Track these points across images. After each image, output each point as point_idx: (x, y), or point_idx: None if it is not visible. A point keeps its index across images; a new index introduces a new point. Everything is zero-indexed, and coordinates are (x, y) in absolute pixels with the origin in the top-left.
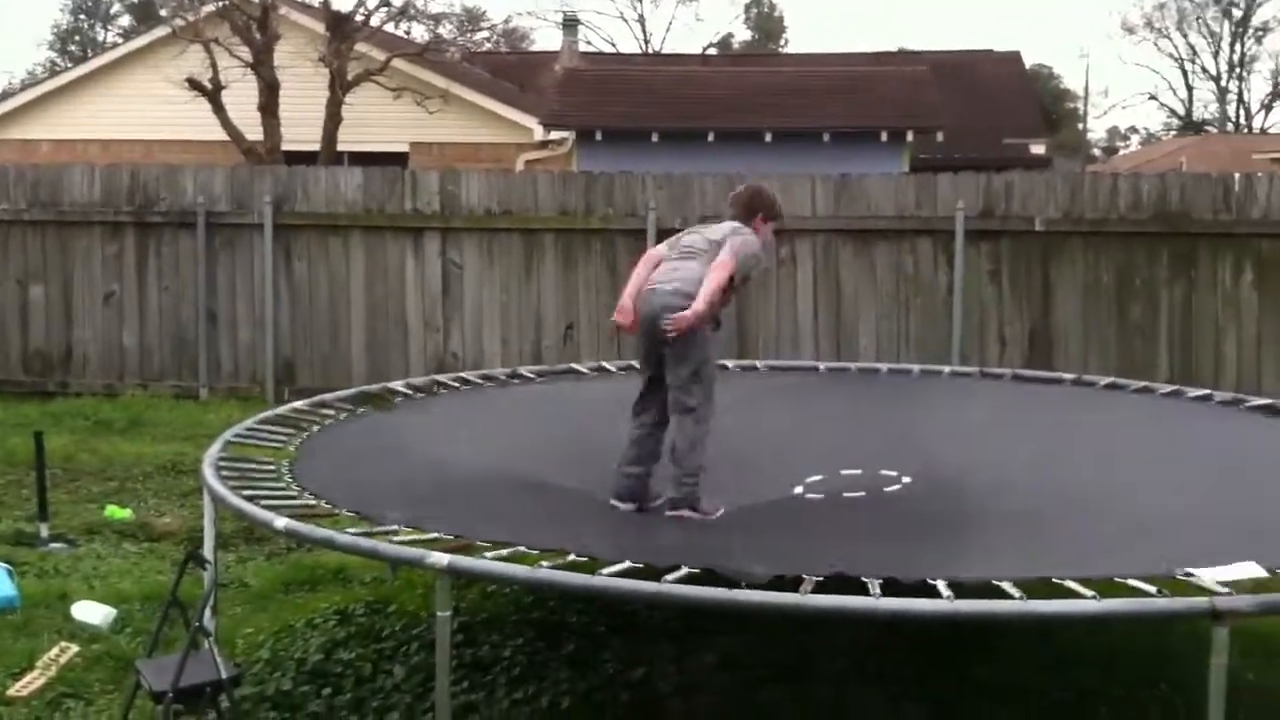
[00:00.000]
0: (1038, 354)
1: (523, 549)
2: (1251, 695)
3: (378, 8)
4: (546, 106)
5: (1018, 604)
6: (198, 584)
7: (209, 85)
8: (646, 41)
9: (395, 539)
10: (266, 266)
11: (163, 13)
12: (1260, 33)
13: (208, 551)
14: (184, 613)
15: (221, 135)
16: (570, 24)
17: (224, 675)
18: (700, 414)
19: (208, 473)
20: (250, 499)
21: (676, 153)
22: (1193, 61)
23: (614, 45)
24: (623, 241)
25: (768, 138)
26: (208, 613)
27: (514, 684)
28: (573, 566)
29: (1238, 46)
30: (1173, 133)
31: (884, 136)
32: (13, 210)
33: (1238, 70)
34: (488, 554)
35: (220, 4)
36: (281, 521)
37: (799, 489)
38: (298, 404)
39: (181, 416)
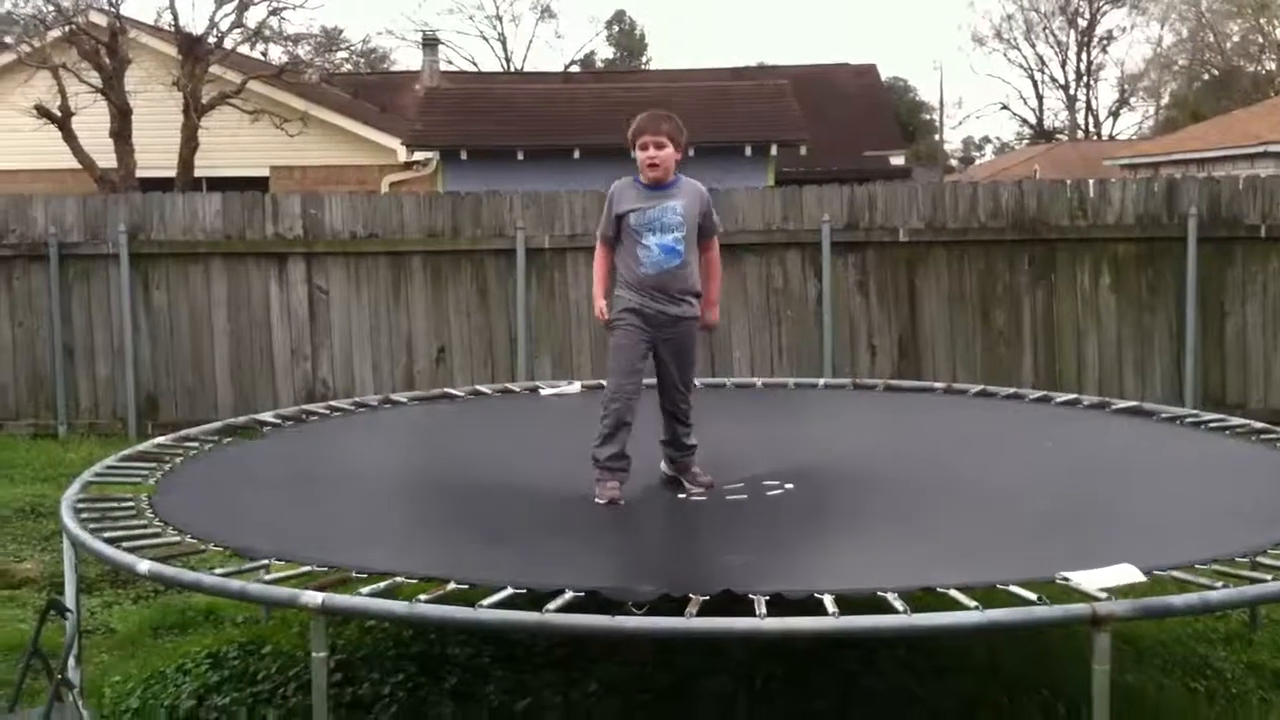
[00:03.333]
0: (907, 362)
1: (400, 579)
2: (1129, 695)
3: (231, 29)
4: (409, 127)
5: (902, 618)
6: (61, 631)
7: (58, 112)
8: (508, 60)
9: (266, 576)
10: (124, 298)
11: (7, 39)
12: (1105, 42)
13: (69, 598)
14: (46, 664)
15: (73, 163)
16: (430, 44)
17: None
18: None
19: (66, 516)
20: (112, 541)
21: (543, 171)
22: (1042, 71)
23: (475, 64)
24: (492, 262)
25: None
26: (71, 662)
27: None
28: (454, 596)
29: (1084, 56)
30: (1025, 141)
31: (748, 151)
32: None
33: (1085, 79)
34: (364, 589)
35: (67, 28)
36: (145, 565)
37: (682, 496)
38: (161, 439)
39: (40, 456)
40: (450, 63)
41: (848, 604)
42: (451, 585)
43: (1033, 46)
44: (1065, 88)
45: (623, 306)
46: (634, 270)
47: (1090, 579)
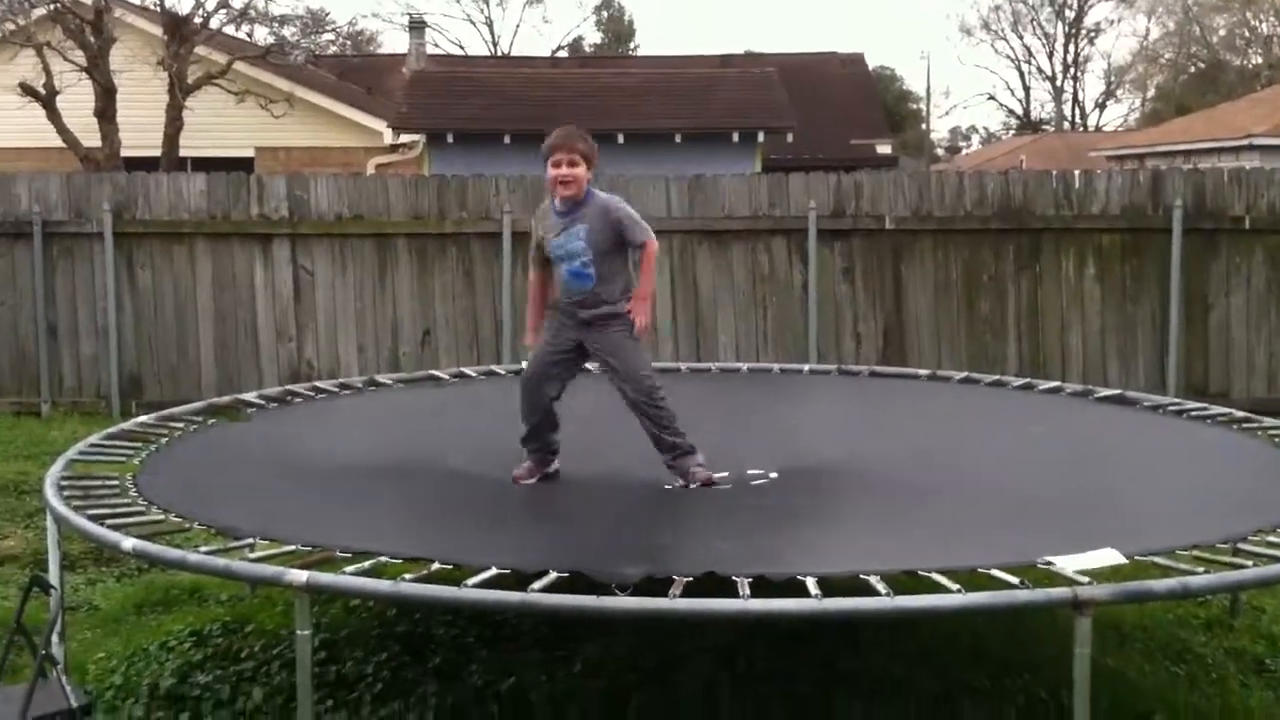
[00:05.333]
0: (892, 349)
1: (385, 559)
2: (1110, 679)
3: (217, 9)
4: (395, 110)
5: (884, 600)
6: (45, 608)
7: (43, 91)
8: (495, 44)
9: (251, 554)
10: (108, 277)
11: None
12: (1093, 34)
13: (53, 575)
14: (30, 640)
15: (57, 142)
16: (417, 26)
17: (74, 704)
18: None
19: (49, 493)
20: (96, 518)
21: (529, 154)
22: (1029, 62)
23: (462, 48)
24: (478, 245)
25: (620, 139)
26: (55, 639)
27: (379, 701)
28: (437, 576)
29: (1071, 47)
30: (1011, 132)
31: (735, 137)
32: None
33: (1072, 70)
34: (348, 568)
35: (52, 7)
36: (129, 542)
37: (668, 486)
38: (144, 418)
39: (23, 434)
40: (437, 46)
41: (831, 586)
42: (436, 565)
43: (1020, 38)
44: (1052, 79)
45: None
46: (554, 293)
47: (1072, 563)
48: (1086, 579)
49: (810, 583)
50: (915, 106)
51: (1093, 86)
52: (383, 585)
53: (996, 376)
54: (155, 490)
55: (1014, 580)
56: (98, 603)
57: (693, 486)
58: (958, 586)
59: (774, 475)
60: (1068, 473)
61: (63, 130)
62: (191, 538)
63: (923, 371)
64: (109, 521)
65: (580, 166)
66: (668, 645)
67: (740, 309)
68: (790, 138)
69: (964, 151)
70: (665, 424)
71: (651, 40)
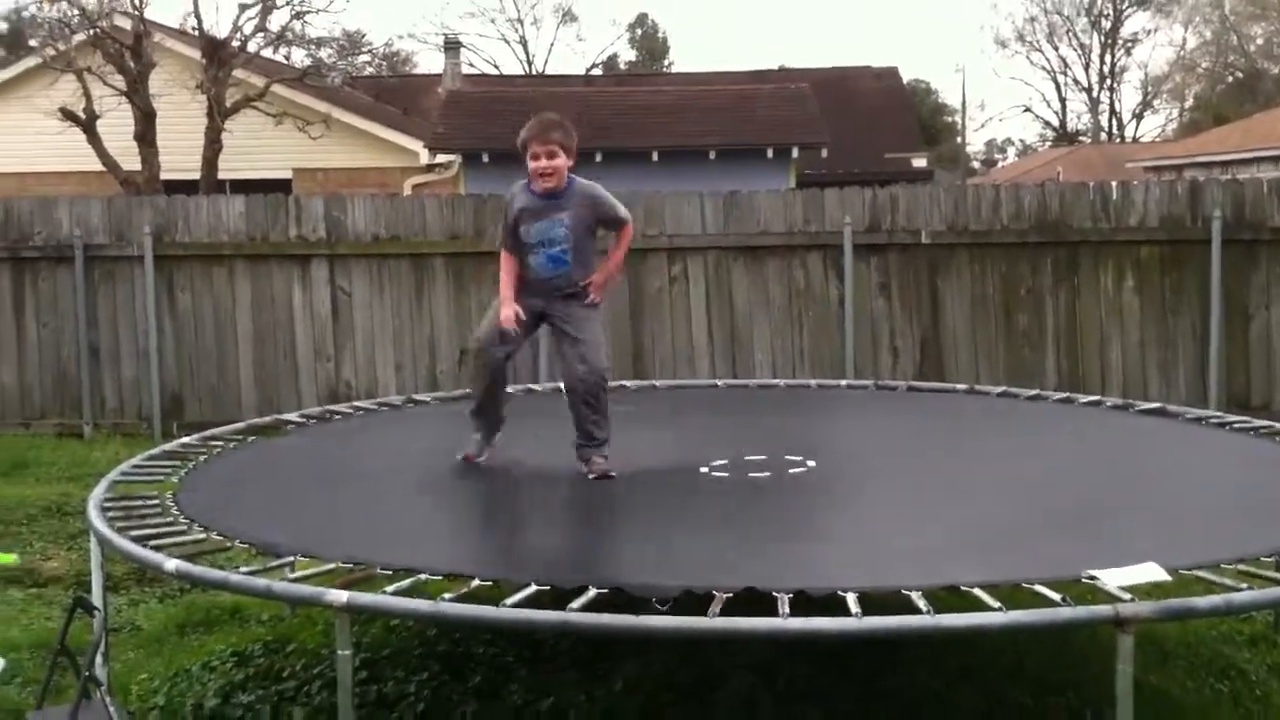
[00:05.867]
0: (929, 364)
1: (425, 576)
2: (1154, 697)
3: (255, 33)
4: (431, 130)
5: (927, 619)
6: (88, 629)
7: (83, 115)
8: (529, 63)
9: (291, 574)
10: (149, 299)
11: (33, 42)
12: (1129, 44)
13: (96, 596)
14: (74, 661)
15: (98, 166)
16: (452, 47)
17: None
18: None
19: (93, 515)
20: (139, 540)
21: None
22: (1064, 74)
23: (497, 67)
24: None
25: (654, 156)
26: (98, 660)
27: None
28: (477, 594)
29: (1108, 58)
30: (1048, 144)
31: (769, 153)
32: None
33: (1109, 81)
34: (388, 587)
35: (92, 32)
36: (172, 564)
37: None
38: (186, 439)
39: (66, 456)
40: (472, 66)
41: (871, 601)
42: (476, 582)
43: (1056, 49)
44: (1088, 90)
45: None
46: (524, 273)
47: (1114, 578)
48: (1129, 595)
49: (851, 599)
50: (950, 119)
51: (1129, 97)
52: (423, 605)
53: (1035, 391)
54: (196, 508)
55: (1056, 597)
56: (140, 623)
57: (591, 477)
58: (999, 604)
59: (813, 483)
60: (1109, 486)
61: (103, 154)
62: (233, 557)
63: (961, 386)
64: (151, 543)
65: (559, 157)
66: (707, 661)
67: (776, 325)
68: (825, 153)
69: (1000, 164)
70: (600, 410)
71: (685, 57)
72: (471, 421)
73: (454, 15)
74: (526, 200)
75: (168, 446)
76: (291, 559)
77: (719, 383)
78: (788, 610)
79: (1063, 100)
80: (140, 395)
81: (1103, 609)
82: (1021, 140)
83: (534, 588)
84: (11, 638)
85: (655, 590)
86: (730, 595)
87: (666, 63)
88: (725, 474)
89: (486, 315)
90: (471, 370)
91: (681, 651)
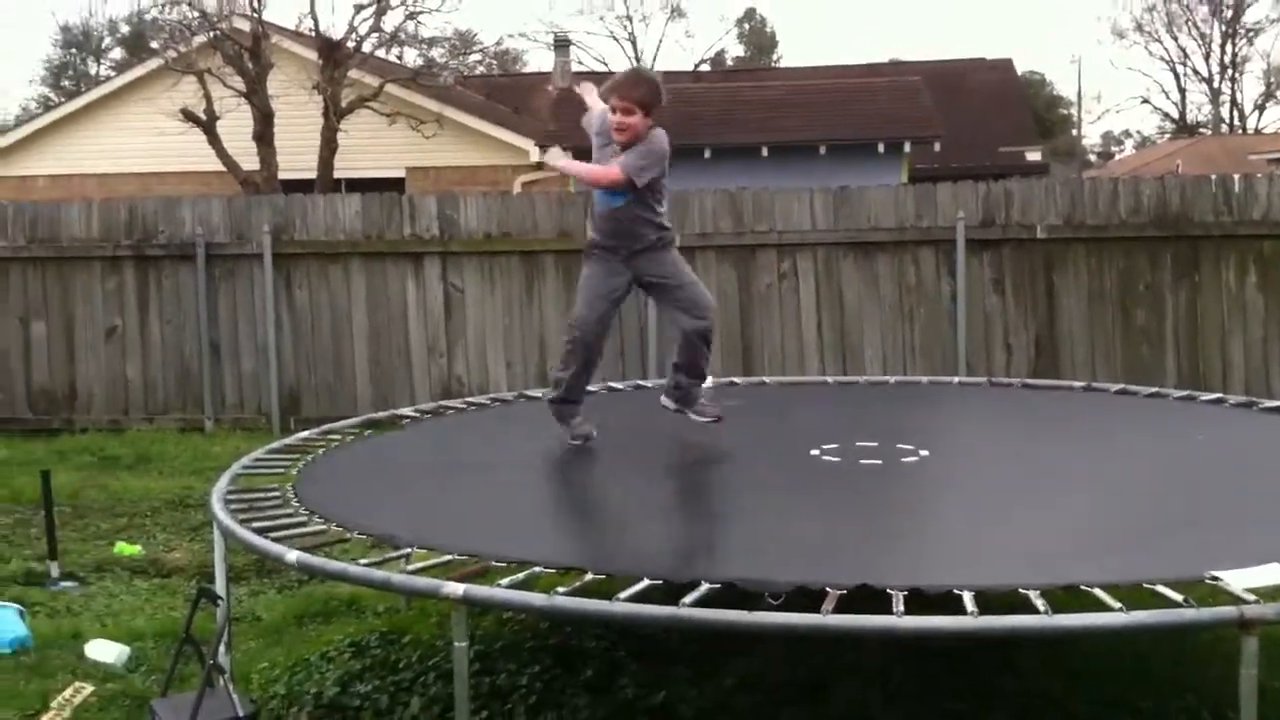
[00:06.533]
0: (1044, 361)
1: (539, 569)
2: (1277, 703)
3: (369, 34)
4: (541, 128)
5: (1044, 619)
6: (211, 619)
7: (203, 116)
8: (638, 60)
9: (408, 566)
10: (267, 296)
11: (154, 45)
12: (1251, 33)
13: (219, 587)
14: (198, 650)
15: (218, 166)
16: (562, 45)
17: (240, 712)
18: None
19: (216, 507)
20: (261, 531)
21: (673, 169)
22: (1184, 64)
23: (606, 65)
24: None
25: (764, 152)
26: (222, 649)
27: (532, 712)
28: (589, 588)
29: (1229, 47)
30: (1167, 136)
31: (881, 148)
32: (11, 248)
33: (1230, 71)
34: (503, 580)
35: (212, 34)
36: (293, 555)
37: (815, 454)
38: (305, 433)
39: (188, 450)
40: (581, 63)
41: (987, 601)
42: (589, 576)
43: (1175, 39)
44: (1209, 81)
45: (590, 241)
46: (594, 206)
47: (1239, 579)
48: (1253, 597)
49: (967, 597)
50: (1066, 112)
51: (1251, 88)
52: (537, 599)
53: (1155, 388)
54: (315, 500)
55: (1178, 598)
56: (260, 614)
57: (704, 421)
58: (1119, 604)
59: (926, 478)
60: (1232, 485)
61: (223, 154)
62: (350, 549)
63: (1077, 383)
64: (273, 534)
65: (635, 115)
66: (819, 658)
67: (887, 322)
68: (937, 147)
69: (1117, 157)
70: (710, 346)
71: (794, 52)
72: (561, 409)
73: (563, 13)
74: (608, 135)
75: (287, 440)
76: (408, 551)
77: (829, 379)
78: (902, 608)
79: (1182, 91)
80: (259, 391)
81: (1226, 610)
82: (1139, 132)
83: (646, 582)
84: (137, 627)
85: (767, 585)
86: (843, 593)
87: (775, 57)
88: (836, 459)
89: (579, 295)
90: (578, 355)
91: (791, 648)
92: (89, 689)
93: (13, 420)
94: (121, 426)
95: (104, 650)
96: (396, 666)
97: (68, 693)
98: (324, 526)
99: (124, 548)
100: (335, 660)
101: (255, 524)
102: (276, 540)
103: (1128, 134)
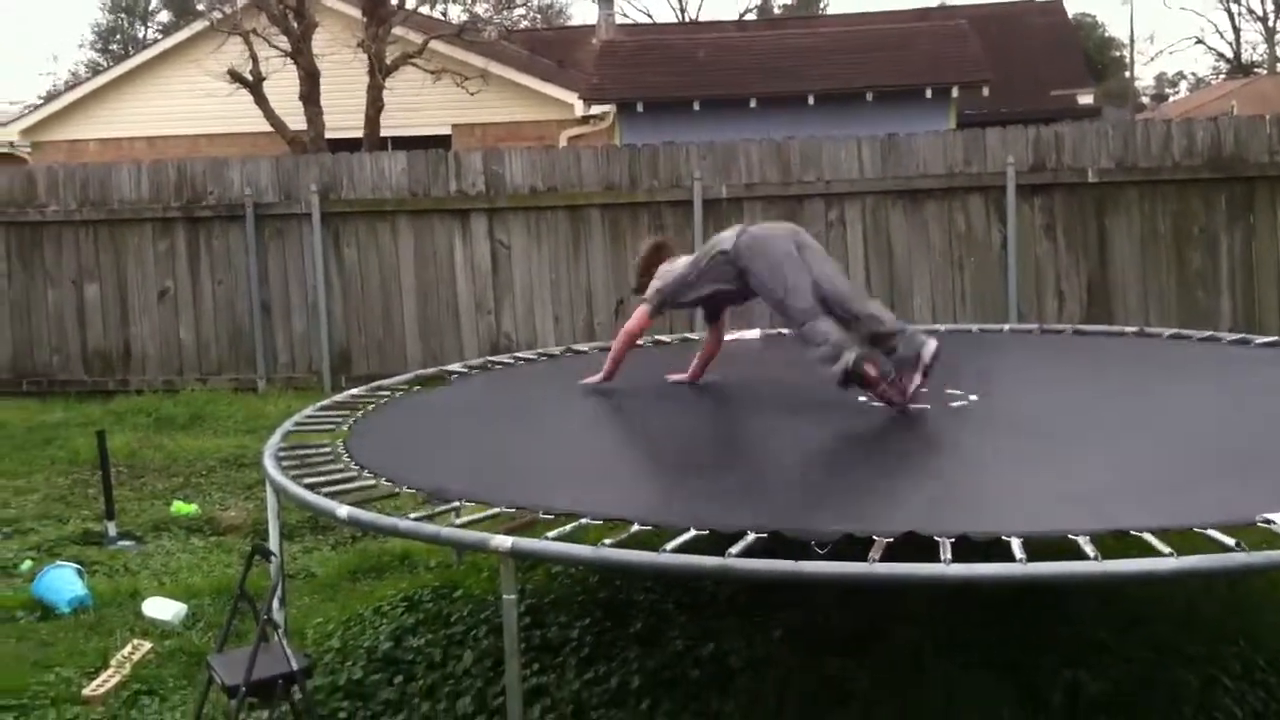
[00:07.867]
0: (1096, 307)
1: (586, 520)
2: None
3: None
4: (586, 81)
5: (1094, 565)
6: (266, 576)
7: (250, 77)
8: (683, 10)
9: (457, 520)
10: (316, 255)
11: (200, 6)
12: None
13: (273, 544)
14: (253, 606)
15: (265, 126)
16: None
17: (295, 667)
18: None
19: (269, 464)
20: (312, 487)
21: (719, 120)
22: (1238, 3)
23: (650, 16)
24: (670, 213)
25: (810, 100)
26: (276, 605)
27: (583, 665)
28: (637, 539)
29: None
30: (1221, 76)
31: (928, 93)
32: (64, 211)
33: None
34: (550, 533)
35: None
36: (344, 510)
37: (863, 399)
38: (355, 390)
39: (241, 409)
40: (625, 15)
41: (1035, 547)
42: (635, 527)
43: None
44: (1263, 20)
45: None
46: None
47: None
48: None
49: (1015, 544)
50: (1118, 54)
51: None
52: (584, 551)
53: (1209, 332)
54: (365, 455)
55: (1231, 542)
56: (314, 570)
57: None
58: (1170, 549)
59: (976, 421)
60: None
61: (270, 115)
62: (400, 505)
63: (1130, 329)
64: (324, 490)
65: (648, 277)
66: (865, 606)
67: (936, 270)
68: (986, 91)
69: (1171, 99)
70: (815, 341)
71: None
72: (857, 364)
73: None
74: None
75: (338, 397)
76: (457, 504)
77: None
78: (950, 556)
79: (1236, 31)
80: (310, 349)
81: (1279, 555)
82: (1193, 74)
83: (693, 532)
84: (193, 584)
85: (814, 535)
86: (890, 541)
87: (822, 4)
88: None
89: (788, 296)
90: (825, 327)
91: (839, 596)
92: (147, 646)
93: (69, 382)
94: (176, 387)
95: (161, 608)
96: (449, 620)
97: (127, 650)
98: (374, 482)
99: (180, 507)
100: (388, 615)
101: (307, 480)
102: (328, 496)
103: (1181, 75)
